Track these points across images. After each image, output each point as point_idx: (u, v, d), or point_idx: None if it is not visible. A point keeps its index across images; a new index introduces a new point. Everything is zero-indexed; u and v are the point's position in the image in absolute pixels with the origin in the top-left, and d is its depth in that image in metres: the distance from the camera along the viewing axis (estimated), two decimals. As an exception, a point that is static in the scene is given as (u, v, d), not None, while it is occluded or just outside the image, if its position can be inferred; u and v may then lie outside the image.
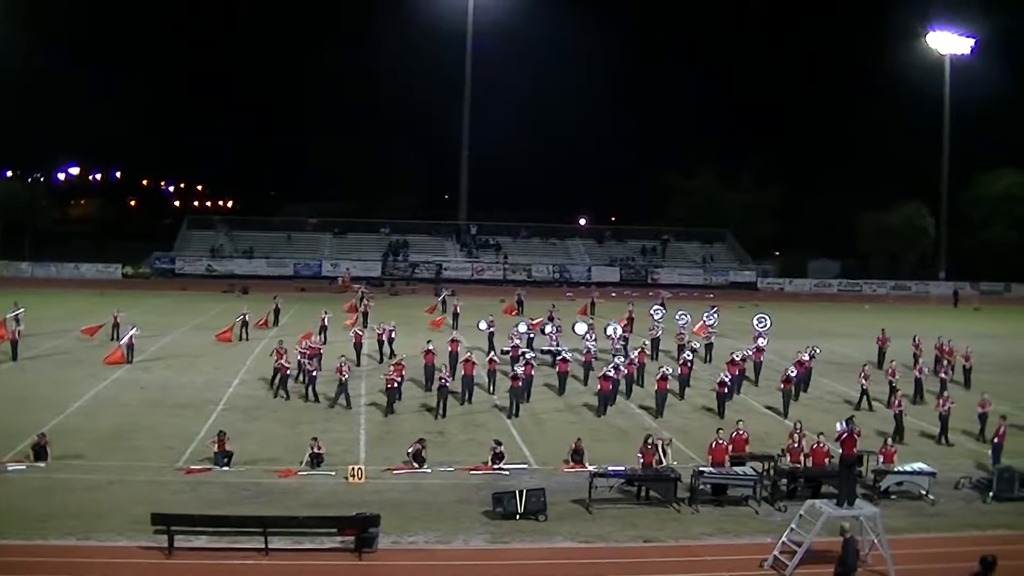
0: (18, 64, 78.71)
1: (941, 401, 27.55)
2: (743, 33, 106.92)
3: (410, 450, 23.34)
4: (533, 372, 31.36)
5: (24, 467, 22.14)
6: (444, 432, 26.66)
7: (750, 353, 34.74)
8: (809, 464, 21.72)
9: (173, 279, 70.42)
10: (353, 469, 22.13)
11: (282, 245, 78.22)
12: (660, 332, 39.39)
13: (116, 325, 39.73)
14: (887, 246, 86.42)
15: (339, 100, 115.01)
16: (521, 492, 19.80)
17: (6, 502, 19.72)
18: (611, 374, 29.88)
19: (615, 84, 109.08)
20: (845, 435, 18.51)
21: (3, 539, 17.69)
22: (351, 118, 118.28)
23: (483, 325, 38.79)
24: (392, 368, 29.77)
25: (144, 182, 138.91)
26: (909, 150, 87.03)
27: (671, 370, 31.04)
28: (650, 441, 21.99)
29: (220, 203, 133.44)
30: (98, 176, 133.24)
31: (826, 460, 21.56)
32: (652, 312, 43.58)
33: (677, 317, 41.29)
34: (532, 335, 38.14)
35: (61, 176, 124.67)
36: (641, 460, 21.52)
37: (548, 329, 38.49)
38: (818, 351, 35.07)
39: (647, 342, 38.40)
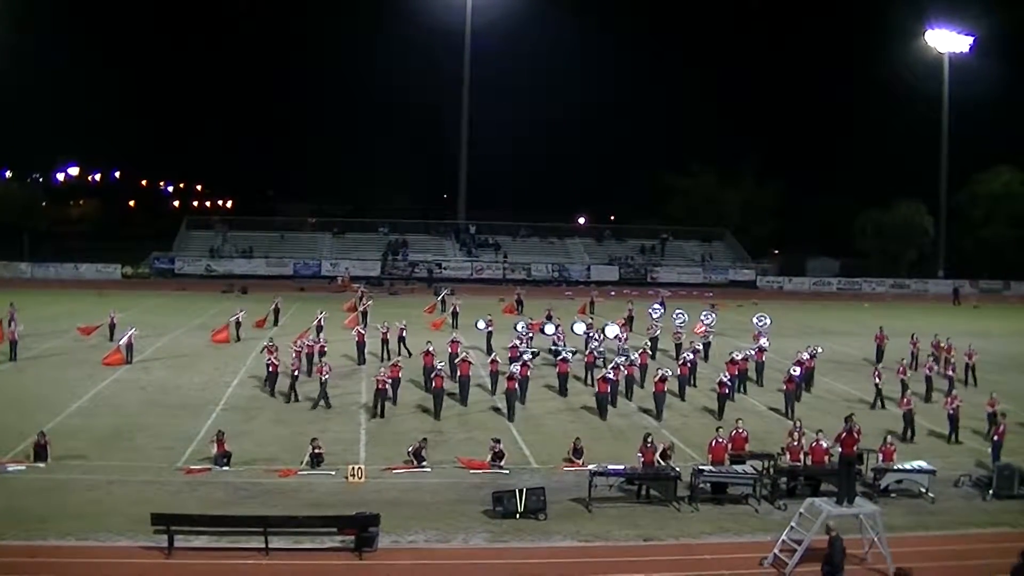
0: (18, 64, 78.76)
1: (949, 400, 27.52)
2: (742, 32, 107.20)
3: (411, 449, 23.41)
4: (529, 373, 30.73)
5: (24, 467, 22.15)
6: (443, 432, 26.67)
7: (752, 353, 34.51)
8: (809, 462, 21.73)
9: (172, 279, 70.29)
10: (353, 469, 22.16)
11: (281, 245, 78.14)
12: (658, 331, 39.36)
13: (112, 326, 39.79)
14: (886, 244, 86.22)
15: (338, 100, 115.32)
16: (521, 491, 19.81)
17: (6, 502, 19.72)
18: (610, 376, 29.68)
19: (614, 83, 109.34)
20: (844, 433, 18.54)
21: (3, 539, 17.70)
22: (350, 118, 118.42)
23: (481, 325, 38.77)
24: (383, 370, 29.51)
25: (143, 182, 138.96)
26: (908, 148, 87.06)
27: (669, 372, 30.88)
28: (650, 440, 21.97)
29: (219, 203, 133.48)
30: (97, 176, 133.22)
31: (826, 458, 21.54)
32: (651, 311, 43.58)
33: (674, 316, 41.19)
34: (531, 335, 38.09)
35: (60, 176, 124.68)
36: (641, 459, 21.52)
37: (549, 330, 38.44)
38: (819, 350, 34.92)
39: (648, 342, 38.33)
